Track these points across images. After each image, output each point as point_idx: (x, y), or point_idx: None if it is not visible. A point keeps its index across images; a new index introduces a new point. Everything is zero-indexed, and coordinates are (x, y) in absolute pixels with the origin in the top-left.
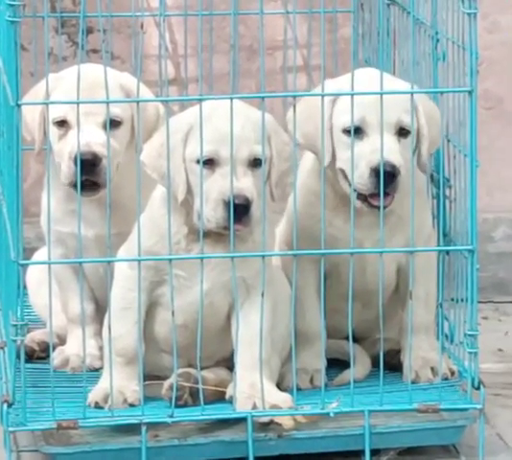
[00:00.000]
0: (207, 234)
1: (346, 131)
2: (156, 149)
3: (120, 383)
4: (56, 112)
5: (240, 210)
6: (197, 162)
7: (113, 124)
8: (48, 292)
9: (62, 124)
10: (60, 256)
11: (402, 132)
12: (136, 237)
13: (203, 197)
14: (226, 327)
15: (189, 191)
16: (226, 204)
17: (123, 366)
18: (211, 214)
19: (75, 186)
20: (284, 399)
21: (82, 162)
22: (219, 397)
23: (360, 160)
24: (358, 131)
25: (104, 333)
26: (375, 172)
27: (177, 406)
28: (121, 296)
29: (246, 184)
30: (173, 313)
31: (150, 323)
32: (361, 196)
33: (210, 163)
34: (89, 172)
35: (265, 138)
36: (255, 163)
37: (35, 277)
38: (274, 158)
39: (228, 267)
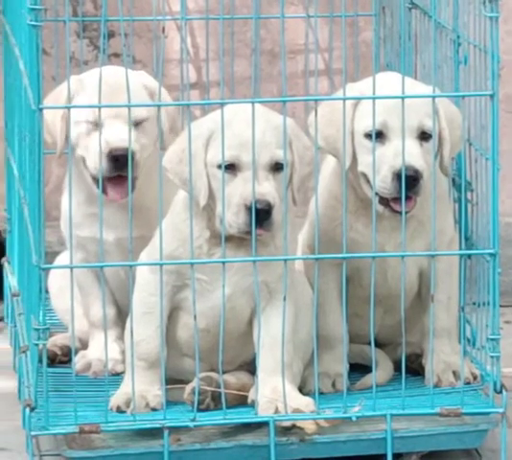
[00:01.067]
0: (229, 238)
1: (368, 136)
2: (178, 155)
3: (142, 388)
4: (84, 115)
5: (261, 215)
6: (219, 167)
7: (139, 121)
8: (70, 296)
9: (92, 123)
10: (81, 260)
11: (423, 136)
12: (158, 241)
13: (225, 202)
14: (248, 331)
15: (211, 196)
16: (248, 209)
17: (145, 370)
18: (233, 219)
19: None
20: (306, 403)
21: (116, 158)
22: (241, 401)
23: (382, 164)
24: (379, 135)
25: (126, 338)
26: (398, 176)
27: (199, 410)
28: (142, 301)
29: (268, 189)
30: (194, 318)
31: (172, 327)
32: (384, 201)
33: (232, 168)
34: (123, 168)
35: (286, 142)
36: (276, 167)
37: (57, 282)
38: (296, 163)
39: (250, 272)
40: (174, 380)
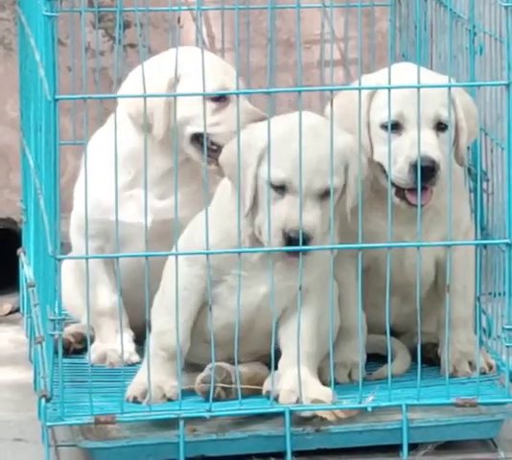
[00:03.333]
0: None
1: (384, 126)
2: (235, 155)
3: (159, 378)
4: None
5: (300, 243)
6: (269, 184)
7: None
8: (85, 286)
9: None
10: (96, 249)
11: (440, 127)
12: (199, 232)
13: (268, 217)
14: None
15: (255, 203)
16: (286, 234)
17: (165, 361)
18: (272, 239)
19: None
20: (325, 393)
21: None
22: (253, 391)
23: (399, 155)
24: (395, 126)
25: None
26: (415, 167)
27: (211, 400)
28: (174, 293)
29: (312, 220)
30: (210, 308)
31: (201, 319)
32: (400, 192)
33: (282, 188)
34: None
35: (303, 137)
36: (327, 193)
37: (67, 277)
38: (351, 186)
39: (293, 274)
40: (190, 364)
